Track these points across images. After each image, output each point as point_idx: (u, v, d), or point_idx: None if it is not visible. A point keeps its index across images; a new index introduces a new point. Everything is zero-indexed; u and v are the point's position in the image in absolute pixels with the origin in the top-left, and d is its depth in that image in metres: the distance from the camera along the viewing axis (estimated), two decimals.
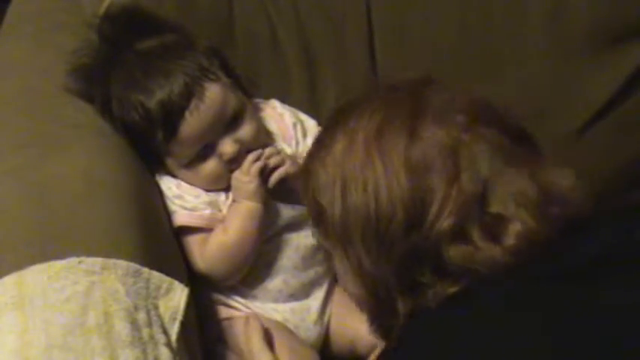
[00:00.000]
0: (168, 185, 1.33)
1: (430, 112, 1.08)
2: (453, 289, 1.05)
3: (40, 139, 1.24)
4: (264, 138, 1.36)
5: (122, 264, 1.05)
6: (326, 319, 1.41)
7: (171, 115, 1.25)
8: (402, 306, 1.09)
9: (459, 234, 1.04)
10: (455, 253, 1.05)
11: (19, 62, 1.39)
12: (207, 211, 1.33)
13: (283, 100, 1.46)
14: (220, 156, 1.30)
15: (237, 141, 1.30)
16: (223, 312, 1.37)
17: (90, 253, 1.05)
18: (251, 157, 1.31)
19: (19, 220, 1.11)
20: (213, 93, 1.27)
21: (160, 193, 1.33)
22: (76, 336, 0.97)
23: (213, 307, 1.37)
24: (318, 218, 1.14)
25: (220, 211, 1.34)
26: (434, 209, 1.04)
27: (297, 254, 1.37)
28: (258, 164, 1.31)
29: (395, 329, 1.09)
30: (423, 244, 1.05)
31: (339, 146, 1.11)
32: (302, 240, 1.37)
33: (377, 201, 1.06)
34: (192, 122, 1.26)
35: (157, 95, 1.25)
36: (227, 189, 1.35)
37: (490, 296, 1.02)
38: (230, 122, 1.30)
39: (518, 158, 1.08)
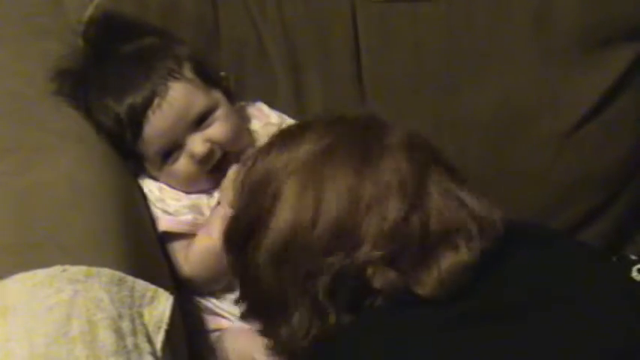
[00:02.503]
0: (150, 188, 1.35)
1: (384, 149, 1.10)
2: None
3: (24, 145, 1.24)
4: (244, 139, 1.37)
5: (106, 272, 1.05)
6: None
7: (136, 115, 1.28)
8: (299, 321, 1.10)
9: (389, 261, 1.06)
10: (381, 278, 1.07)
11: (2, 67, 1.38)
12: (190, 217, 1.34)
13: (269, 106, 1.47)
14: (191, 156, 1.31)
15: (208, 140, 1.31)
16: (212, 322, 1.37)
17: (74, 261, 1.05)
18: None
19: (2, 228, 1.11)
20: (176, 91, 1.30)
21: (144, 197, 1.34)
22: (60, 345, 0.96)
23: (202, 317, 1.37)
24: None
25: (203, 214, 1.34)
26: (367, 244, 1.06)
27: None
28: None
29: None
30: (347, 269, 1.07)
31: (291, 155, 1.12)
32: None
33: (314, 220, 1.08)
34: (155, 121, 1.28)
35: (125, 100, 1.28)
36: (208, 191, 1.36)
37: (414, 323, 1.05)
38: (198, 121, 1.32)
39: (456, 190, 1.10)
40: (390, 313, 1.07)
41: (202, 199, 1.36)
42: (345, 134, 1.12)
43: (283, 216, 1.08)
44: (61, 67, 1.32)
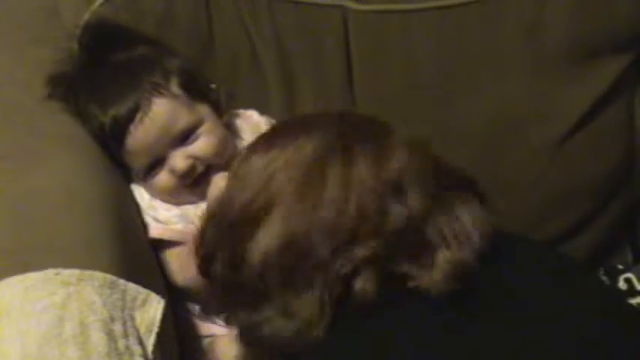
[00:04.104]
0: (142, 196, 1.35)
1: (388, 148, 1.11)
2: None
3: (19, 151, 1.24)
4: (228, 152, 1.36)
5: (99, 275, 1.06)
6: None
7: (119, 128, 1.28)
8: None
9: (390, 259, 1.07)
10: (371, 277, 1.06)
11: None
12: (180, 225, 1.34)
13: (262, 114, 1.47)
14: (172, 171, 1.31)
15: (190, 156, 1.31)
16: (204, 328, 1.37)
17: (67, 264, 1.05)
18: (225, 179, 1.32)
19: None
20: (159, 107, 1.29)
21: (136, 204, 1.34)
22: (52, 346, 0.97)
23: (193, 323, 1.37)
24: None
25: (193, 223, 1.34)
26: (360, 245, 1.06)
27: None
28: None
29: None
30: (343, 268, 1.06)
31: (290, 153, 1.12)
32: None
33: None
34: (137, 135, 1.29)
35: (109, 110, 1.28)
36: (194, 202, 1.36)
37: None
38: (181, 137, 1.31)
39: (448, 197, 1.10)
40: (380, 316, 1.06)
41: (189, 210, 1.35)
42: (346, 132, 1.13)
43: (276, 225, 1.08)
44: (54, 72, 1.33)
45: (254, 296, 1.10)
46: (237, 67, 1.49)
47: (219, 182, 1.30)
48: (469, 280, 1.05)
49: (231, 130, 1.41)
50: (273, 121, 1.45)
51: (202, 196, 1.35)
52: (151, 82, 1.30)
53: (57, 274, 1.04)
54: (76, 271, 1.05)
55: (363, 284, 1.06)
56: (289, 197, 1.09)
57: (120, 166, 1.33)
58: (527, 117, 1.52)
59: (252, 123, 1.44)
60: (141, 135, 1.29)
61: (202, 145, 1.32)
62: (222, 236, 1.13)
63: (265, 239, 1.08)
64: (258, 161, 1.13)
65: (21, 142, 1.27)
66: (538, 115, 1.52)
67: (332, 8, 1.46)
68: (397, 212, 1.06)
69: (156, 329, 1.08)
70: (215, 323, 1.37)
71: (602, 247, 1.59)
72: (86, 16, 1.41)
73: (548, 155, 1.52)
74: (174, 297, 1.32)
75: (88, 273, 1.05)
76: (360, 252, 1.06)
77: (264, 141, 1.17)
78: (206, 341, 1.37)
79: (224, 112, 1.40)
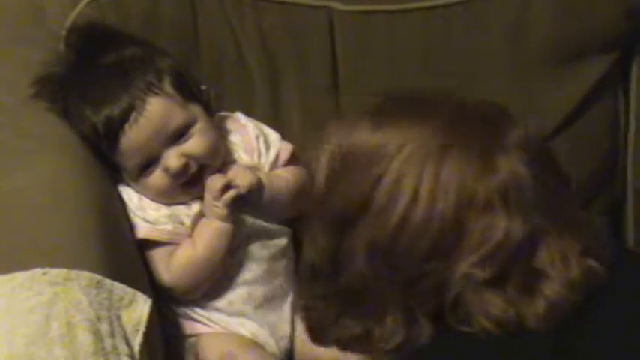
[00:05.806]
0: (130, 196, 1.35)
1: (503, 151, 1.04)
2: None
3: (4, 151, 1.25)
4: (220, 153, 1.36)
5: (85, 275, 1.06)
6: (294, 332, 1.42)
7: (113, 128, 1.28)
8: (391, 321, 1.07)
9: (494, 281, 0.99)
10: (474, 297, 1.00)
11: None
12: (169, 226, 1.34)
13: (247, 115, 1.47)
14: (166, 170, 1.31)
15: (183, 155, 1.31)
16: (189, 327, 1.37)
17: (54, 264, 1.06)
18: (220, 182, 1.32)
19: None
20: (154, 106, 1.29)
21: (123, 205, 1.34)
22: (39, 346, 0.97)
23: (179, 322, 1.37)
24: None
25: (182, 224, 1.35)
26: (468, 246, 0.99)
27: (260, 266, 1.37)
28: (232, 194, 1.31)
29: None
30: (442, 275, 1.01)
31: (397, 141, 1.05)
32: (265, 251, 1.38)
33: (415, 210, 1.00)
34: (131, 135, 1.28)
35: (102, 111, 1.28)
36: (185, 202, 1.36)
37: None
38: (175, 136, 1.31)
39: (564, 218, 1.04)
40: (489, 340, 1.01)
41: (180, 210, 1.35)
42: (465, 130, 1.06)
43: (389, 207, 1.01)
44: (41, 73, 1.33)
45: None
46: (222, 67, 1.50)
47: (211, 186, 1.31)
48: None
49: (220, 133, 1.41)
50: (260, 124, 1.45)
51: (195, 197, 1.35)
52: (144, 81, 1.30)
53: (44, 273, 1.04)
54: (62, 271, 1.05)
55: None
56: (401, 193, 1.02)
57: (108, 167, 1.33)
58: None
59: (239, 126, 1.44)
60: (135, 135, 1.28)
61: (196, 143, 1.32)
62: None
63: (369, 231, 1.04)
64: (366, 141, 1.06)
65: (5, 141, 1.27)
66: (521, 115, 1.52)
67: (317, 9, 1.47)
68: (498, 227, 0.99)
69: (142, 328, 1.09)
70: (200, 323, 1.37)
71: None
72: (72, 17, 1.41)
73: None
74: (160, 297, 1.32)
75: (74, 272, 1.05)
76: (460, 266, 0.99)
77: (367, 121, 1.09)
78: (191, 340, 1.37)
79: (214, 114, 1.41)
